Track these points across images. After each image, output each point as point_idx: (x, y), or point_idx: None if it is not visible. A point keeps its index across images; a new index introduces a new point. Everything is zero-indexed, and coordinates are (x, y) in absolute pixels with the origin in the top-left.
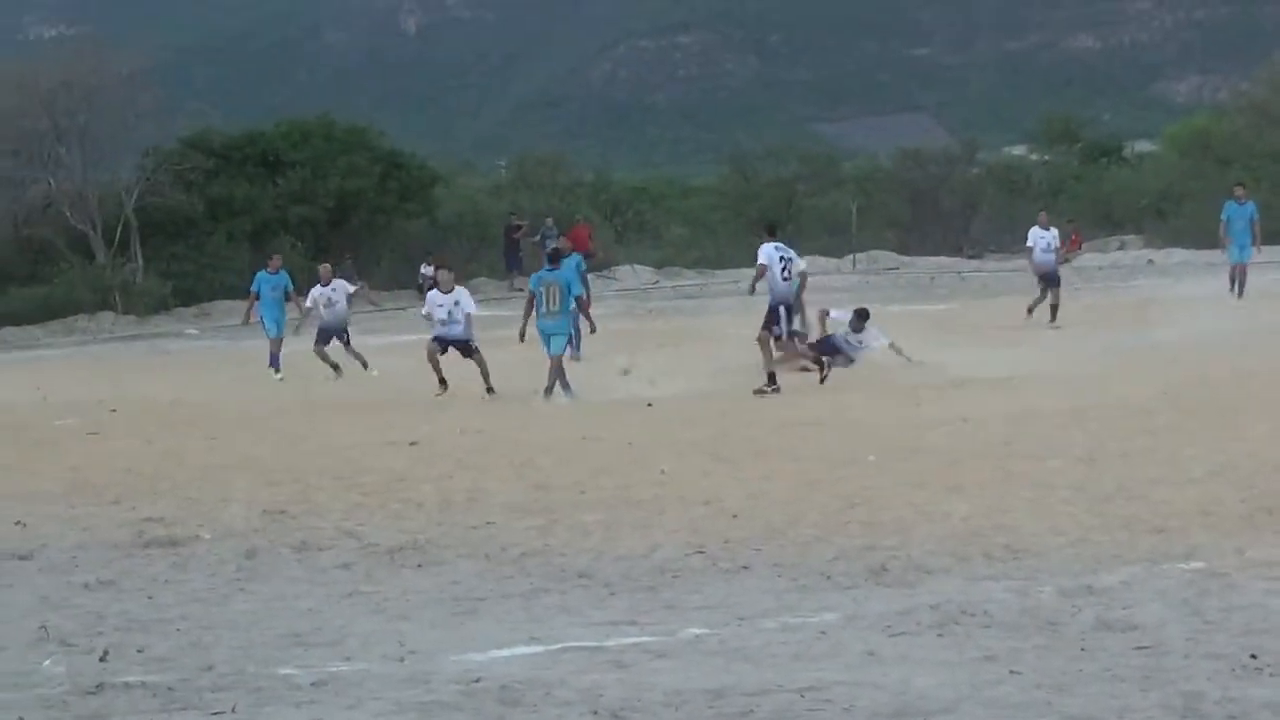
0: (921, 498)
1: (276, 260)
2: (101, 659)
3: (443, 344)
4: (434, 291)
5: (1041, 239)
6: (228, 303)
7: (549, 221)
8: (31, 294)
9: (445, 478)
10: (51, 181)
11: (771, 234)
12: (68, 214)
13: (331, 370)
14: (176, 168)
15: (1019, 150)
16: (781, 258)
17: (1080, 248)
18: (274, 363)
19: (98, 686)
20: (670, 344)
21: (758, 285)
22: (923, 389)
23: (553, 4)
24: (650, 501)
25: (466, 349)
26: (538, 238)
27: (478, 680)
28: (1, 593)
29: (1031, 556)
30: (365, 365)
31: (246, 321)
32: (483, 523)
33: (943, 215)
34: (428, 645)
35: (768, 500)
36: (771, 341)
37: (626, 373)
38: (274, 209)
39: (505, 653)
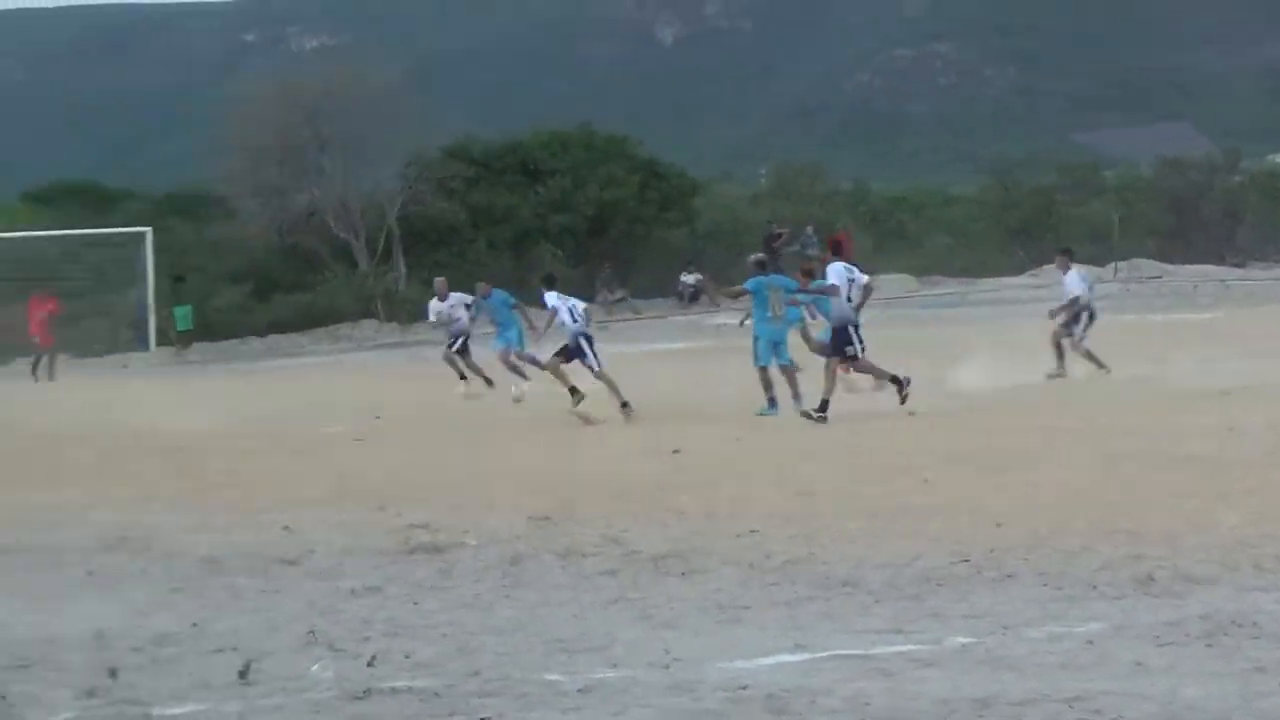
0: (1189, 506)
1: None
2: (369, 664)
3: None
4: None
5: None
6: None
7: (809, 229)
8: (296, 301)
9: (708, 485)
10: (315, 191)
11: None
12: (331, 223)
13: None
14: (438, 176)
15: None
16: (850, 279)
17: None
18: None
19: (365, 691)
20: (928, 353)
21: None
22: (1187, 396)
23: (810, 13)
24: (914, 509)
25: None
26: (798, 246)
27: (744, 688)
28: (269, 598)
29: None
30: (477, 380)
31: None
32: (746, 530)
33: (1204, 224)
34: (693, 653)
35: (1032, 508)
36: (841, 365)
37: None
38: (534, 217)
39: (770, 660)
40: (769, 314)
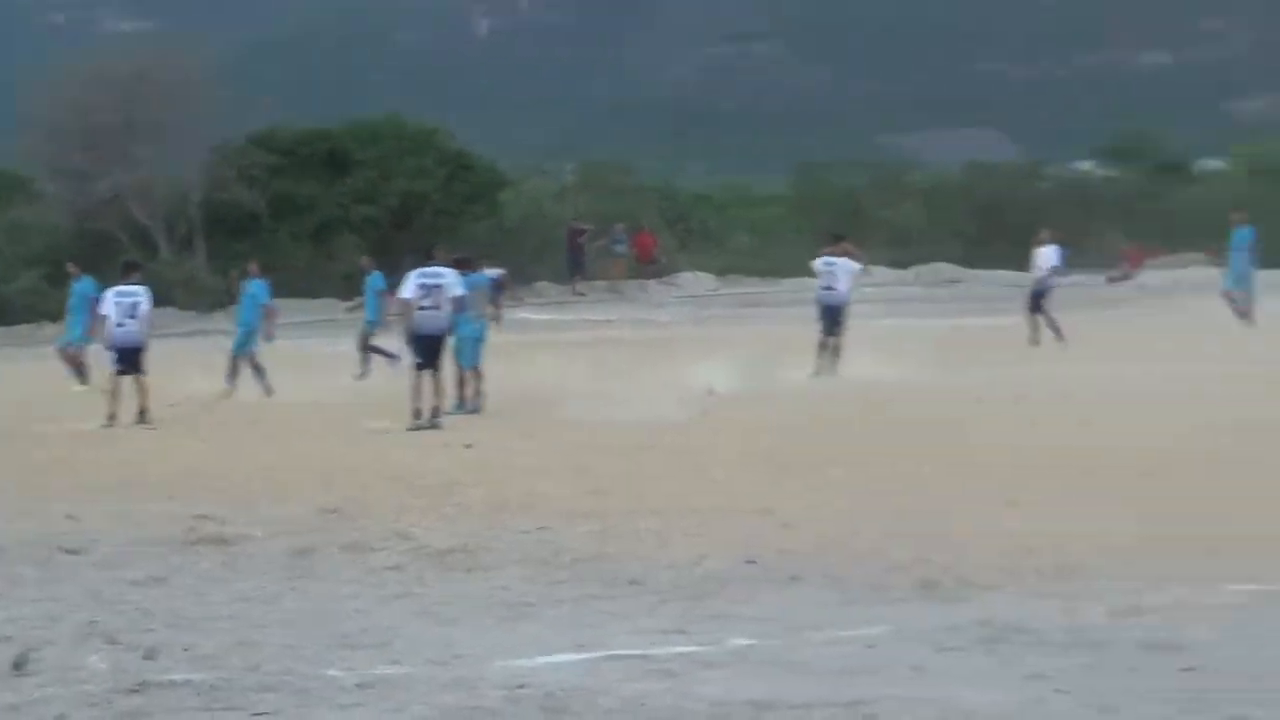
0: (975, 512)
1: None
2: (146, 657)
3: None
4: None
5: (1045, 258)
6: (290, 300)
7: (619, 227)
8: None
9: (500, 482)
10: (120, 174)
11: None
12: (132, 208)
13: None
14: (241, 164)
15: (1087, 166)
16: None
17: (1142, 265)
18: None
19: (141, 684)
20: (727, 348)
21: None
22: (978, 402)
23: (626, 9)
24: (704, 510)
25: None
26: (604, 241)
27: (522, 686)
28: (51, 587)
29: (1082, 574)
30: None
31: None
32: (535, 527)
33: (1009, 230)
34: (475, 650)
35: (822, 510)
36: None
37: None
38: (337, 208)
39: (552, 659)
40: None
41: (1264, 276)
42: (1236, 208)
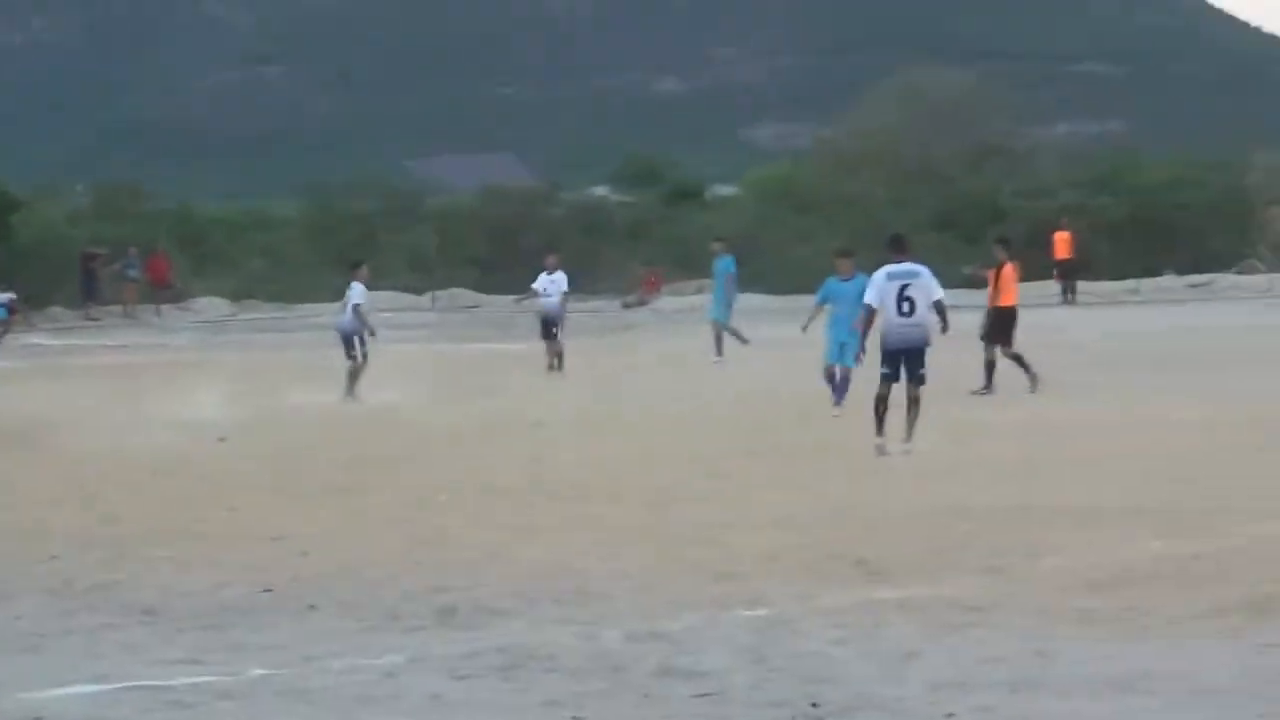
0: (492, 538)
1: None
2: None
3: None
4: None
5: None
6: None
7: (132, 251)
8: None
9: (6, 508)
10: None
11: None
12: None
13: None
14: None
15: (602, 191)
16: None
17: (659, 290)
18: None
19: None
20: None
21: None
22: (497, 428)
23: (141, 32)
24: (221, 537)
25: None
26: (118, 266)
27: (39, 719)
28: None
29: (599, 601)
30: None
31: None
32: (47, 556)
33: (524, 254)
34: None
35: (340, 537)
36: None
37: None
38: None
39: (67, 691)
40: None
41: (763, 302)
42: (718, 238)
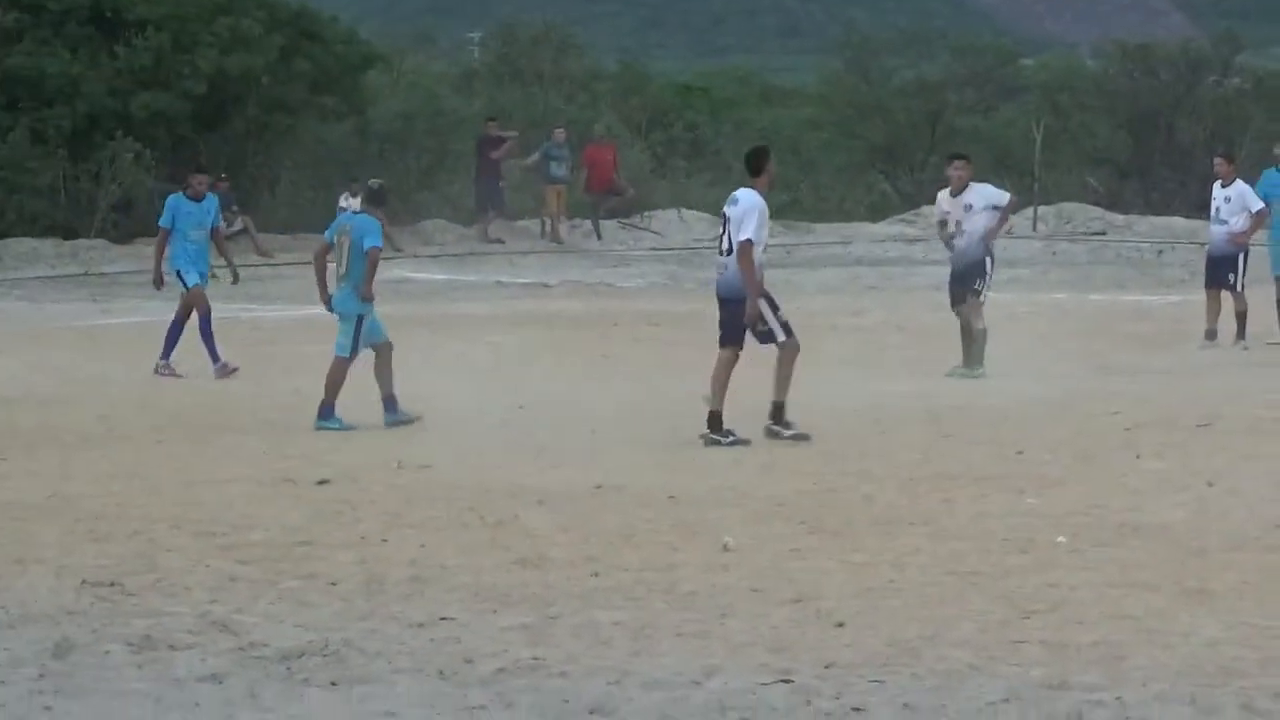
0: (1139, 608)
1: (199, 180)
2: None
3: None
4: None
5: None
6: (31, 242)
7: (559, 134)
8: None
9: (374, 541)
10: None
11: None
12: None
13: None
14: None
15: None
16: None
17: None
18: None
19: None
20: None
21: None
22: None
23: None
24: (705, 594)
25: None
26: (534, 158)
27: None
28: None
29: None
30: None
31: (158, 282)
32: (434, 618)
33: (1178, 152)
34: None
35: (894, 601)
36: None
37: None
38: (109, 96)
39: None
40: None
41: None
42: None
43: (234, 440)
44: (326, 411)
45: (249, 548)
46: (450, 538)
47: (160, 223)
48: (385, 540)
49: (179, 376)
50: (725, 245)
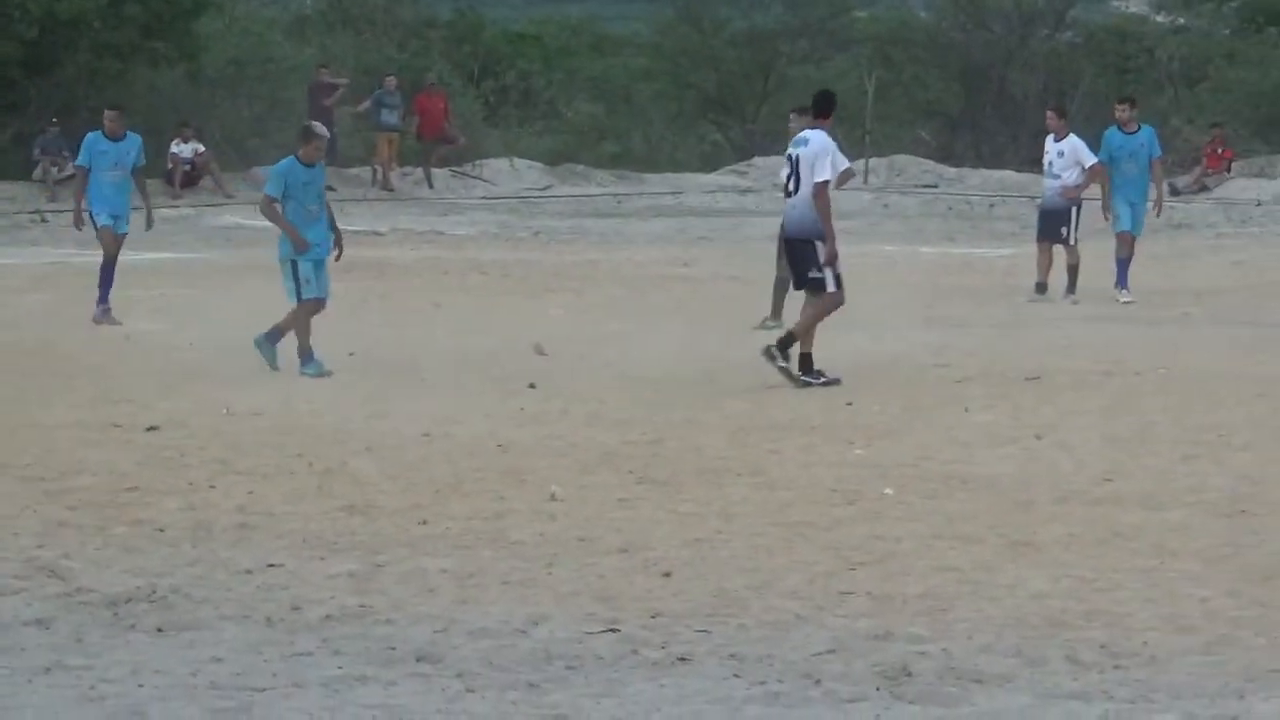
0: (965, 560)
1: (109, 117)
2: None
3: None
4: None
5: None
6: None
7: (390, 82)
8: None
9: (202, 488)
10: None
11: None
12: None
13: None
14: None
15: (1137, 8)
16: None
17: (1226, 169)
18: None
19: None
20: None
21: None
22: (973, 385)
23: None
24: (532, 543)
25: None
26: (365, 105)
27: None
28: None
29: (1144, 665)
30: None
31: (79, 222)
32: (262, 565)
33: (1011, 105)
34: None
35: (721, 552)
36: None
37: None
38: None
39: None
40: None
41: None
42: None
43: (62, 384)
44: (306, 357)
45: (76, 493)
46: (278, 485)
47: (77, 162)
48: (213, 487)
49: (117, 324)
50: (792, 186)
